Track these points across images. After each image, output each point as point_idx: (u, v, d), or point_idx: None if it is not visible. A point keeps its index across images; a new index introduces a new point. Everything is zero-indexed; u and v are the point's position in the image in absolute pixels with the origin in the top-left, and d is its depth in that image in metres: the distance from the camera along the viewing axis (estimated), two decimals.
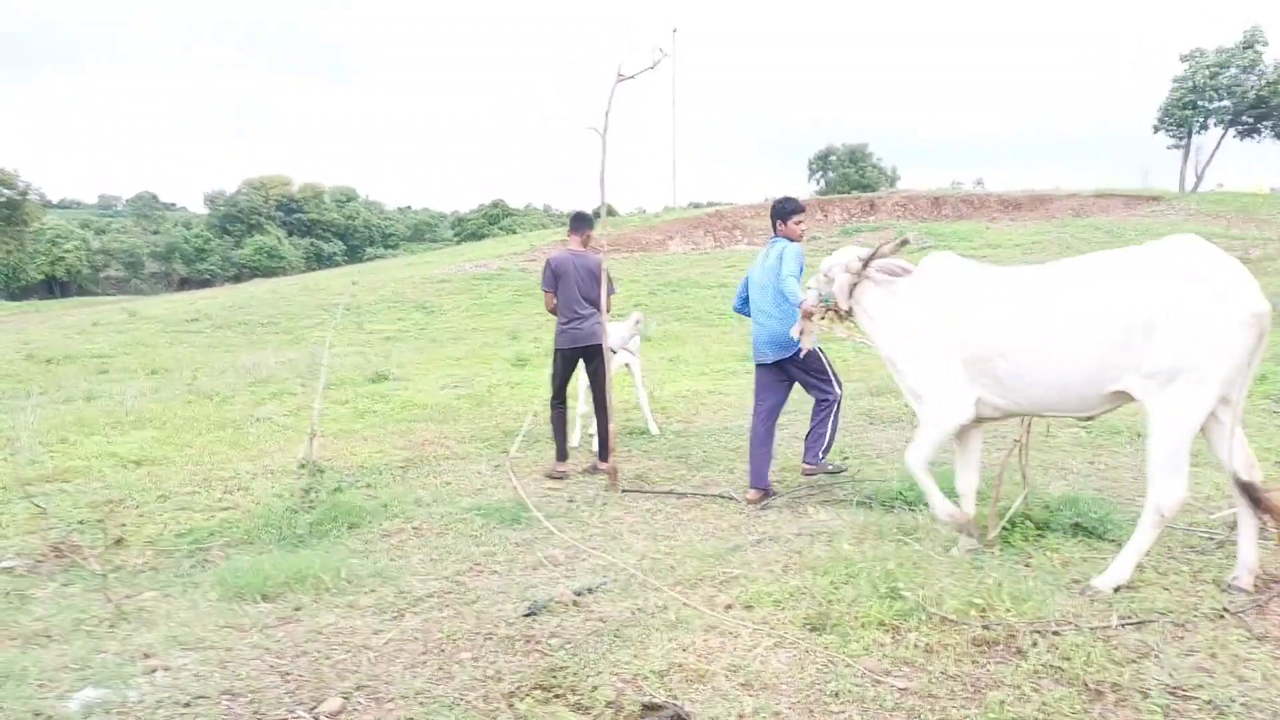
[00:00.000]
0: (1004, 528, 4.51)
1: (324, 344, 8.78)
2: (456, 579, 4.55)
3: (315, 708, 3.16)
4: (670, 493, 6.08)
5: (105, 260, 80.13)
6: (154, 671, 3.50)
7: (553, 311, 7.20)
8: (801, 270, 6.01)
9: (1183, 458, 3.80)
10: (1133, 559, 3.87)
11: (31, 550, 5.28)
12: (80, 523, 5.88)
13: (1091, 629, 3.42)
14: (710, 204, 51.88)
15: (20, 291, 66.70)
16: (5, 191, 61.24)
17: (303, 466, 5.88)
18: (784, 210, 6.20)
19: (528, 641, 3.64)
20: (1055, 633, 3.41)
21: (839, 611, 3.67)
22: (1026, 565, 4.20)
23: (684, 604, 3.89)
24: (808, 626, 3.62)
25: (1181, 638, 3.39)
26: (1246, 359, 3.73)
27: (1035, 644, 3.33)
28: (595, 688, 3.15)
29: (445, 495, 6.38)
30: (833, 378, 6.08)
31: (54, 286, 71.64)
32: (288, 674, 3.45)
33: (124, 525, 5.83)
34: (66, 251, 73.60)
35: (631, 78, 6.09)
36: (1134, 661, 3.18)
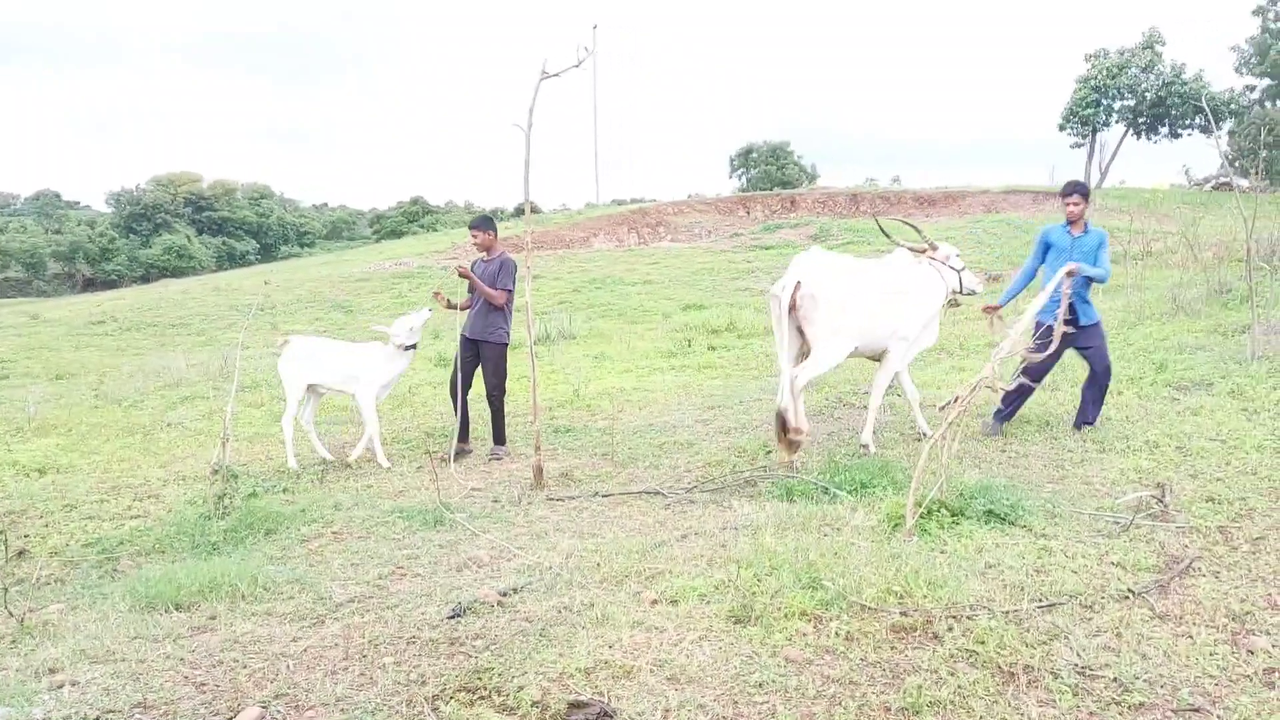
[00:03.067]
0: (920, 516, 4.62)
1: (236, 345, 8.53)
2: (378, 583, 4.47)
3: (232, 718, 3.08)
4: (596, 494, 6.05)
5: (4, 261, 76.51)
6: (60, 687, 3.37)
7: (501, 307, 7.60)
8: (1040, 248, 7.17)
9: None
10: None
11: None
12: None
13: (1004, 612, 3.53)
14: (634, 200, 51.97)
15: None
16: None
17: (215, 472, 5.72)
18: (1060, 191, 7.20)
19: (452, 644, 3.60)
20: (970, 617, 3.51)
21: (762, 603, 3.72)
22: (942, 552, 4.30)
23: (610, 601, 3.89)
24: (732, 619, 3.66)
25: (1089, 619, 3.52)
26: (782, 324, 6.47)
27: (951, 629, 3.43)
28: (521, 688, 3.13)
29: (366, 498, 6.27)
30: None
31: None
32: (203, 684, 3.35)
33: (26, 536, 5.60)
34: None
35: (556, 75, 6.05)
36: (1045, 643, 3.29)
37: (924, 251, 7.19)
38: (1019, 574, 3.97)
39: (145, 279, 64.70)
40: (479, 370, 7.78)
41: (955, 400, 4.62)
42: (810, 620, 3.59)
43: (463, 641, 3.61)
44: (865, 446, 6.82)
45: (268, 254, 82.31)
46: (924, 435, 7.02)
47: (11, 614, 4.10)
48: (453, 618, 3.87)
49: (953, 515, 4.71)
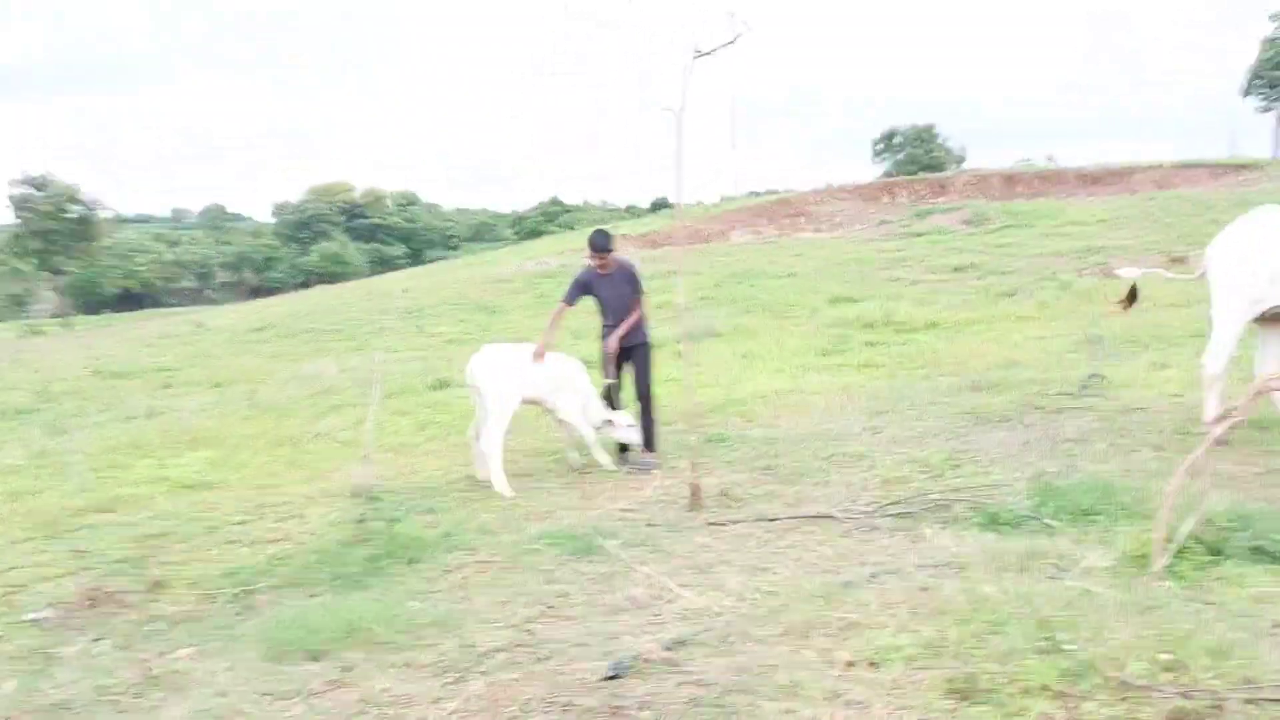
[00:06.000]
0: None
1: (380, 351, 8.31)
2: (527, 627, 3.96)
3: None
4: (760, 519, 5.38)
5: (178, 272, 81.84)
6: None
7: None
8: None
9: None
10: None
11: (66, 597, 4.84)
12: (120, 561, 5.44)
13: None
14: (771, 191, 50.79)
15: (96, 305, 68.27)
16: (75, 207, 62.46)
17: (356, 495, 5.37)
18: None
19: (613, 714, 3.05)
20: (1275, 701, 2.70)
21: (989, 673, 3.00)
22: (1208, 604, 3.47)
23: (796, 662, 3.25)
24: (952, 692, 2.96)
25: None
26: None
27: None
28: None
29: (512, 521, 5.80)
30: None
31: (129, 299, 73.27)
32: None
33: (166, 564, 5.39)
34: (140, 265, 75.39)
35: (709, 54, 5.44)
36: None
37: None
38: None
39: (304, 285, 67.73)
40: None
41: (1229, 413, 3.76)
42: (1056, 699, 2.85)
43: (626, 711, 3.06)
44: None
45: (416, 258, 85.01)
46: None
47: (140, 659, 3.79)
48: (612, 678, 3.32)
49: (1210, 553, 3.85)
